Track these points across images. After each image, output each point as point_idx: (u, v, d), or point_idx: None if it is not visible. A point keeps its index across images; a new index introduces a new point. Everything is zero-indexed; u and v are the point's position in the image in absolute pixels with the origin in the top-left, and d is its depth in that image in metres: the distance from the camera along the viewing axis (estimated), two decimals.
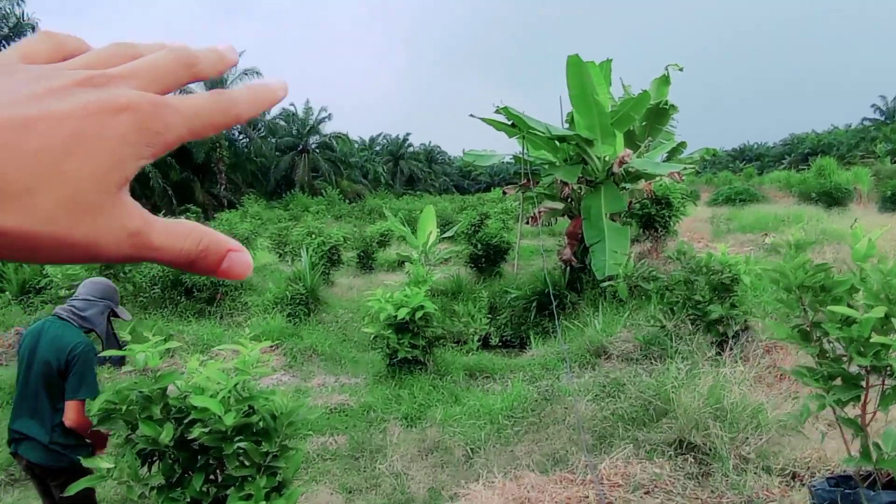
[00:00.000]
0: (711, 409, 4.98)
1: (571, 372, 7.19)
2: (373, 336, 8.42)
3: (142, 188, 45.66)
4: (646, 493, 4.42)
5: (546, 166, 13.67)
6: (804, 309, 3.54)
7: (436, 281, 15.26)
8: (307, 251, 15.01)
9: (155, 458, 3.70)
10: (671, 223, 14.25)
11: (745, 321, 7.72)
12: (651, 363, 7.55)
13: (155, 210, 27.40)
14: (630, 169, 12.17)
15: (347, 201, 49.83)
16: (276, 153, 61.42)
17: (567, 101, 12.20)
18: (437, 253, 16.59)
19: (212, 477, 3.65)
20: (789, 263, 3.51)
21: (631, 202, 13.04)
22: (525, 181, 13.50)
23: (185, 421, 3.57)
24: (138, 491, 3.59)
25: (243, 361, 3.78)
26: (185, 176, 49.18)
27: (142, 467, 3.63)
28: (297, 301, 12.74)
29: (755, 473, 4.50)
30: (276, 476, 3.65)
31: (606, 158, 12.18)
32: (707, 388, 5.18)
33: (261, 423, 3.65)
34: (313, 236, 17.64)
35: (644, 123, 14.16)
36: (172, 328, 11.12)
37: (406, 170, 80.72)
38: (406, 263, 15.91)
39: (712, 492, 4.39)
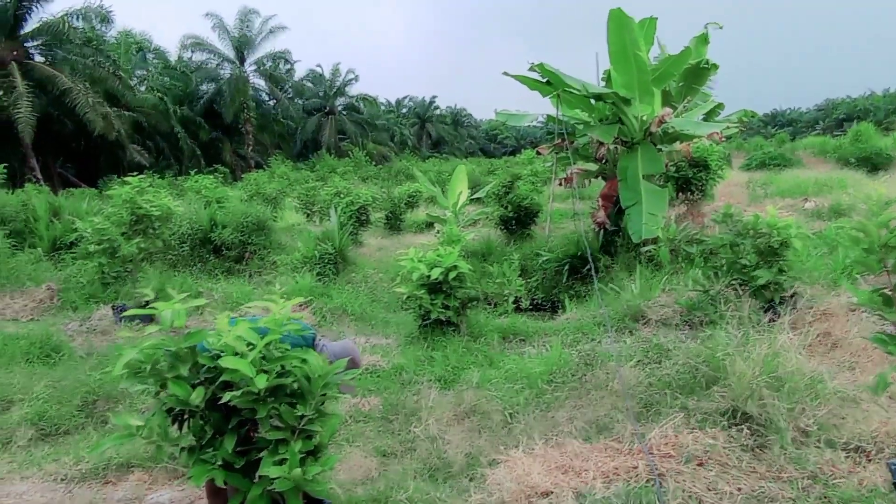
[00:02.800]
0: (767, 378, 4.69)
1: (612, 336, 6.91)
2: (405, 296, 8.19)
3: (171, 149, 45.69)
4: (699, 465, 4.16)
5: (580, 126, 13.28)
6: (887, 271, 3.24)
7: (467, 242, 15.07)
8: (336, 211, 14.80)
9: (185, 418, 3.52)
10: (709, 186, 13.84)
11: (794, 287, 7.41)
12: (693, 329, 7.28)
13: (184, 170, 27.40)
14: (669, 129, 11.77)
15: (374, 163, 49.53)
16: (303, 115, 61.21)
17: (603, 61, 11.84)
18: (467, 214, 16.29)
19: (244, 439, 3.45)
20: (872, 221, 3.20)
21: (667, 164, 12.62)
22: (559, 141, 13.13)
23: (217, 381, 3.37)
24: (168, 451, 3.43)
25: (273, 320, 3.55)
26: (213, 137, 49.16)
27: (172, 426, 3.44)
28: (326, 261, 12.57)
29: (817, 447, 4.22)
30: (311, 440, 3.45)
31: (644, 118, 11.77)
32: (761, 356, 4.89)
33: (295, 385, 3.44)
34: (342, 196, 17.43)
35: (681, 84, 13.69)
36: (201, 286, 10.99)
37: (433, 132, 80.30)
38: (435, 224, 15.65)
39: (770, 465, 4.12)
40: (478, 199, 17.86)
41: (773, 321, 6.31)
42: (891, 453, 4.10)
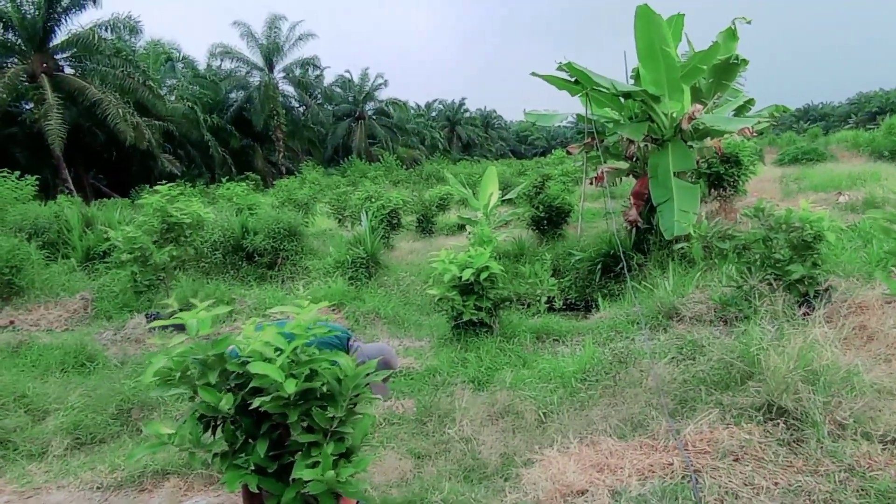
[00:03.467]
0: (802, 371, 4.67)
1: (647, 333, 6.91)
2: (437, 298, 8.24)
3: (202, 157, 46.30)
4: (735, 461, 4.16)
5: (610, 124, 13.25)
6: None
7: (498, 243, 15.09)
8: (367, 215, 14.90)
9: (217, 424, 3.57)
10: (741, 182, 13.74)
11: (828, 281, 7.34)
12: (727, 325, 7.24)
13: (216, 178, 27.68)
14: (699, 126, 11.70)
15: (404, 167, 49.71)
16: (333, 120, 61.71)
17: (632, 58, 11.80)
18: (498, 216, 16.31)
19: (276, 443, 3.51)
20: None
21: (698, 161, 12.54)
22: (588, 140, 13.12)
23: (246, 387, 3.42)
24: (201, 457, 3.48)
25: (299, 324, 3.59)
26: (244, 144, 49.75)
27: (204, 433, 3.50)
28: (358, 265, 12.65)
29: (853, 440, 4.19)
30: (343, 442, 3.49)
31: (674, 115, 11.71)
32: (796, 350, 4.87)
33: (324, 388, 3.48)
34: (373, 200, 17.54)
35: (711, 80, 13.59)
36: (234, 292, 11.13)
37: (463, 135, 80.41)
38: (467, 226, 15.69)
39: (807, 459, 4.10)
40: (509, 200, 17.89)
41: (808, 315, 6.27)
42: None
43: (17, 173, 18.88)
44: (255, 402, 3.30)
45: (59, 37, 34.45)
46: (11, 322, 10.40)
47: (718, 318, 7.63)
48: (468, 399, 6.06)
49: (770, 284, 7.07)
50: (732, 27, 13.87)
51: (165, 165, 39.79)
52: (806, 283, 6.99)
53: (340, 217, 20.59)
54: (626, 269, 9.04)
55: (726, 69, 13.49)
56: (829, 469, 3.97)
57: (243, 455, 3.43)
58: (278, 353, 3.32)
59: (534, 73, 12.24)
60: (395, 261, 14.60)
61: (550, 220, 15.10)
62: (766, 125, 14.93)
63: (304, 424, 3.41)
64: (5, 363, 8.12)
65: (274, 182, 36.95)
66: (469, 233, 15.61)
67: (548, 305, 10.44)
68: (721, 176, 12.97)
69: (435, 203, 20.42)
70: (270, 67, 51.09)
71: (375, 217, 16.15)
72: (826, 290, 7.19)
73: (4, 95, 31.02)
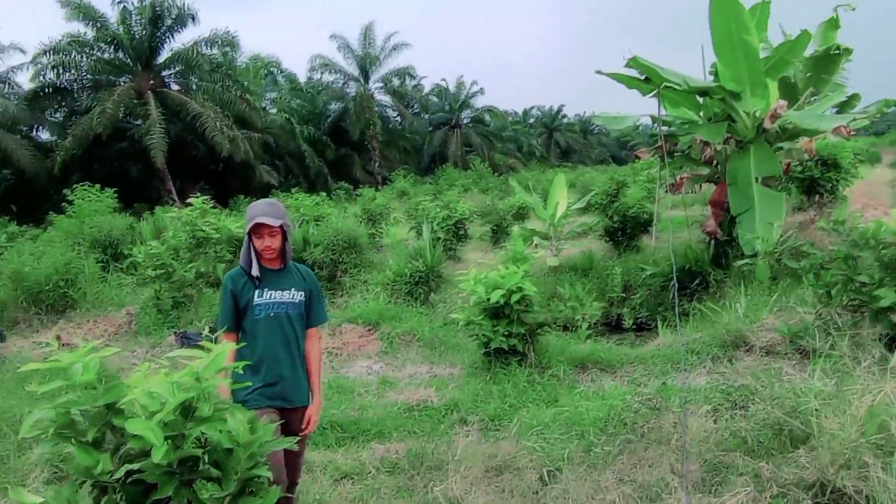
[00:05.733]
0: (872, 440, 3.53)
1: (686, 375, 5.76)
2: (463, 323, 7.33)
3: (299, 167, 46.79)
4: None
5: (686, 125, 11.98)
6: None
7: (567, 257, 14.03)
8: (429, 226, 14.13)
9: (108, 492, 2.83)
10: (839, 188, 12.22)
11: None
12: (804, 359, 6.06)
13: (312, 187, 27.69)
14: (787, 125, 10.36)
15: (500, 174, 48.84)
16: (429, 129, 61.60)
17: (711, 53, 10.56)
18: (570, 226, 15.20)
19: None
20: None
21: (789, 164, 11.12)
22: (660, 144, 11.89)
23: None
24: None
25: (192, 372, 2.79)
26: (342, 154, 50.09)
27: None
28: (416, 279, 11.86)
29: None
30: None
31: (757, 113, 10.39)
32: (865, 408, 3.73)
33: (209, 458, 2.70)
34: (440, 210, 16.76)
35: (808, 74, 12.13)
36: None
37: (561, 142, 78.90)
38: (534, 238, 14.68)
39: None
40: (584, 209, 16.79)
41: (890, 354, 5.01)
42: None
43: (98, 186, 19.13)
44: (119, 472, 2.58)
45: (164, 54, 35.65)
46: (58, 337, 10.12)
47: (794, 349, 6.44)
48: (467, 448, 5.13)
49: (853, 313, 5.82)
50: (834, 15, 12.39)
51: (263, 176, 40.27)
52: None
53: (416, 227, 19.93)
54: (674, 293, 7.82)
55: (825, 61, 11.99)
56: None
57: None
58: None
59: (598, 72, 11.12)
60: (460, 274, 13.75)
61: (625, 231, 13.93)
62: (865, 122, 13.22)
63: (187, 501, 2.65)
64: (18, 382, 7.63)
65: (358, 192, 36.87)
66: (535, 245, 14.65)
67: (613, 325, 9.39)
68: (816, 181, 11.51)
69: (511, 212, 19.48)
70: (366, 78, 51.25)
71: (440, 227, 15.37)
72: None
73: (115, 112, 32.05)
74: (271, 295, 3.84)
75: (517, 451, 4.87)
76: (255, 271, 3.81)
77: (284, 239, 3.84)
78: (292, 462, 3.76)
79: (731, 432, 4.29)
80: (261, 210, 3.75)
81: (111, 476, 2.59)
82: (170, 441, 2.56)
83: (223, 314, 3.85)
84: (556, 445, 4.83)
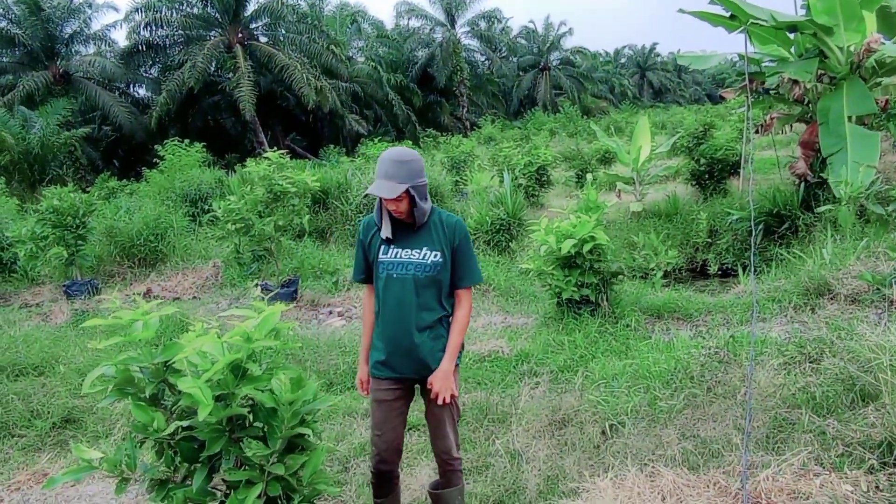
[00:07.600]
0: None
1: (755, 326, 5.59)
2: (534, 273, 7.30)
3: (387, 116, 46.98)
4: None
5: (774, 63, 11.42)
6: None
7: (651, 202, 13.74)
8: (511, 173, 14.04)
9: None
10: None
11: None
12: (890, 308, 5.82)
13: (400, 135, 27.96)
14: (885, 59, 9.77)
15: (590, 117, 47.89)
16: (518, 72, 60.65)
17: None
18: (655, 170, 14.83)
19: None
20: None
21: (887, 101, 10.50)
22: (746, 83, 11.41)
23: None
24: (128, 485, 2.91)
25: (242, 332, 2.87)
26: (430, 100, 49.99)
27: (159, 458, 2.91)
28: (497, 227, 11.85)
29: None
30: (279, 482, 2.79)
31: (851, 48, 9.83)
32: None
33: (254, 417, 2.81)
34: (521, 156, 16.61)
35: None
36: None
37: (654, 81, 76.59)
38: (618, 184, 14.41)
39: None
40: (670, 152, 16.34)
41: None
42: None
43: (187, 141, 19.72)
44: (170, 428, 2.69)
45: (251, 7, 36.16)
46: (148, 290, 10.60)
47: (881, 298, 6.18)
48: (532, 400, 5.17)
49: None
50: None
51: (353, 126, 40.64)
52: None
53: (501, 174, 19.83)
54: (753, 240, 7.55)
55: None
56: None
57: (185, 485, 2.85)
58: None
59: (682, 10, 10.71)
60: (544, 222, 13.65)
61: (712, 174, 13.51)
62: None
63: (237, 458, 2.78)
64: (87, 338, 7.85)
65: (440, 139, 36.72)
66: (618, 191, 14.39)
67: (698, 271, 9.21)
68: None
69: (596, 157, 19.13)
70: (452, 23, 50.79)
71: (522, 174, 15.25)
72: None
73: (206, 66, 32.92)
74: (397, 253, 3.31)
75: (580, 405, 4.88)
76: (384, 232, 3.32)
77: (414, 201, 3.21)
78: (434, 431, 3.52)
79: (799, 387, 4.19)
80: (383, 171, 3.19)
81: (165, 432, 2.73)
82: (223, 400, 2.66)
83: (356, 264, 3.55)
84: (621, 398, 4.82)
